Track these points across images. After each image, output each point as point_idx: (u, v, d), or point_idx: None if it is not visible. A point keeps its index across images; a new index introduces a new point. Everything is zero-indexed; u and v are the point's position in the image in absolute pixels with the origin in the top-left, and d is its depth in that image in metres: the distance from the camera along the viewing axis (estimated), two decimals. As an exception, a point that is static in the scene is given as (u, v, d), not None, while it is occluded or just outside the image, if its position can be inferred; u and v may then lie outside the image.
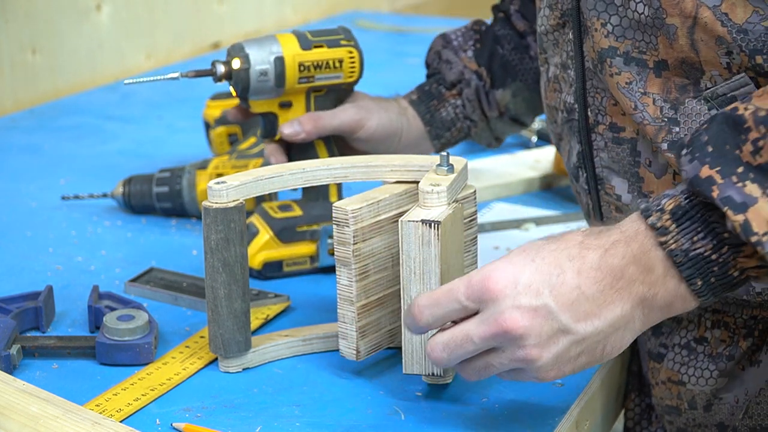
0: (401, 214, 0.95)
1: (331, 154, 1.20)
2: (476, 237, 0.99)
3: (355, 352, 0.96)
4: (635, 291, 0.82)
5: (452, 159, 0.96)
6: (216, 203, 0.95)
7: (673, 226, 0.81)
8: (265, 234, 1.18)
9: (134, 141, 1.67)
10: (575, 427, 0.96)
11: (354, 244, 0.94)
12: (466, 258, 0.98)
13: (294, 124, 1.16)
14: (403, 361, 0.93)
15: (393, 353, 1.01)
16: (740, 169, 0.79)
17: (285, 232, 1.19)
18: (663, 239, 0.81)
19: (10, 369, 0.97)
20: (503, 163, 1.50)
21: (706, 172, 0.80)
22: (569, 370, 0.84)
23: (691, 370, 1.04)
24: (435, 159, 0.97)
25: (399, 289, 0.94)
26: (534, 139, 1.58)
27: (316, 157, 1.19)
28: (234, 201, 0.96)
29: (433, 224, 0.89)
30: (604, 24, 0.95)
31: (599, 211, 1.05)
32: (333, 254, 1.19)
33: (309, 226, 1.20)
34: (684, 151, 0.82)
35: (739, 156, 0.79)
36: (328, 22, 2.49)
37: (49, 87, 1.90)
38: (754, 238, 0.78)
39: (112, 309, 1.05)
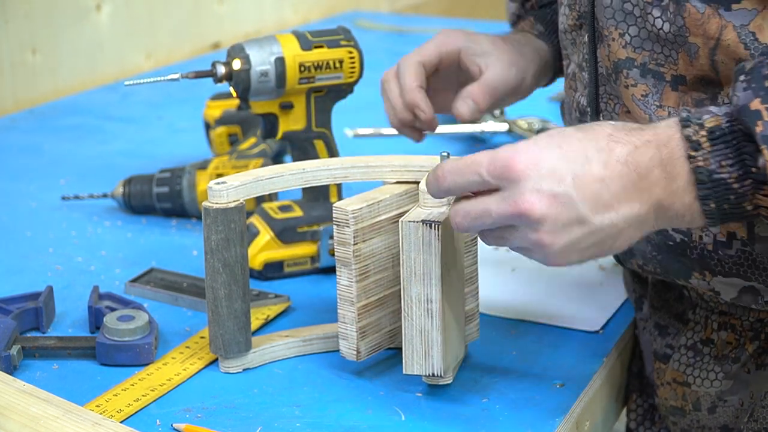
0: (401, 214, 0.95)
1: (331, 154, 1.20)
2: (476, 237, 0.99)
3: (355, 352, 0.96)
4: (655, 194, 0.81)
5: (452, 158, 0.96)
6: (216, 203, 0.95)
7: (707, 144, 0.80)
8: (265, 234, 1.18)
9: (134, 141, 1.67)
10: (575, 428, 0.96)
11: (354, 244, 0.94)
12: (467, 258, 0.98)
13: (467, 101, 1.12)
14: (404, 361, 0.93)
15: (393, 353, 1.01)
16: None
17: (286, 233, 1.19)
18: (693, 153, 0.80)
19: (11, 369, 0.97)
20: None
21: (756, 105, 0.79)
22: (576, 259, 0.83)
23: (696, 371, 1.04)
24: (435, 159, 0.97)
25: (399, 289, 0.94)
26: (534, 139, 1.58)
27: (316, 157, 1.19)
28: (234, 201, 0.96)
29: (433, 225, 0.89)
30: (622, 34, 0.94)
31: None
32: (334, 255, 1.19)
33: (309, 226, 1.20)
34: (742, 77, 0.82)
35: None
36: (328, 22, 2.49)
37: (49, 87, 1.90)
38: None
39: (113, 309, 1.05)
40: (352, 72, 1.18)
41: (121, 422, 0.90)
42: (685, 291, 1.06)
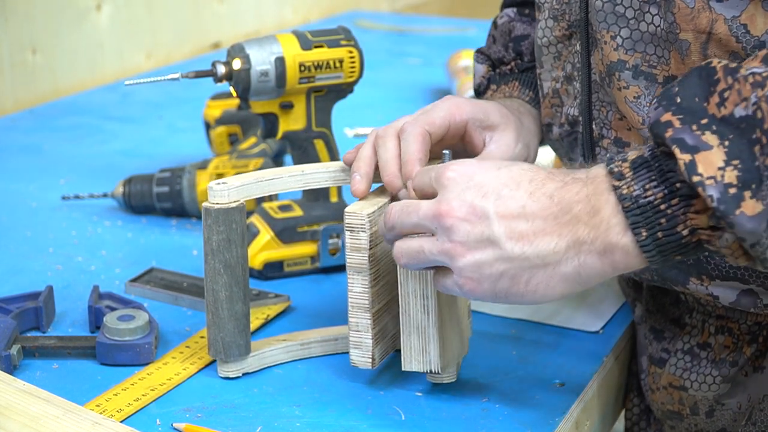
0: None
1: (331, 154, 1.20)
2: None
3: (370, 360, 0.95)
4: (575, 230, 0.80)
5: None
6: (217, 204, 0.95)
7: (630, 173, 0.79)
8: (265, 234, 1.18)
9: (134, 141, 1.67)
10: (575, 428, 0.96)
11: (370, 249, 0.93)
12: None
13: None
14: (402, 357, 0.93)
15: (392, 354, 1.01)
16: (704, 121, 0.77)
17: (286, 233, 1.19)
18: (617, 183, 0.79)
19: (11, 369, 0.97)
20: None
21: (667, 117, 0.78)
22: (488, 289, 0.83)
23: (693, 375, 1.04)
24: (434, 161, 0.97)
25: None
26: (534, 139, 1.58)
27: (316, 157, 1.19)
28: (235, 201, 0.95)
29: None
30: (614, 36, 0.94)
31: None
32: (334, 254, 1.19)
33: (310, 226, 1.20)
34: (655, 102, 0.81)
35: (705, 108, 0.78)
36: (328, 22, 2.49)
37: (49, 87, 1.90)
38: (696, 178, 0.75)
39: (113, 309, 1.05)
40: (353, 71, 1.18)
41: (121, 422, 0.90)
42: (682, 296, 1.06)
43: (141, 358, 1.00)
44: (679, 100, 0.79)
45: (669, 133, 0.77)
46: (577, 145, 1.03)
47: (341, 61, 1.17)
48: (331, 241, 1.19)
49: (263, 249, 1.18)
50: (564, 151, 1.05)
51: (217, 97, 1.52)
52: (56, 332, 1.07)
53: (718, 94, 0.77)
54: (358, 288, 0.93)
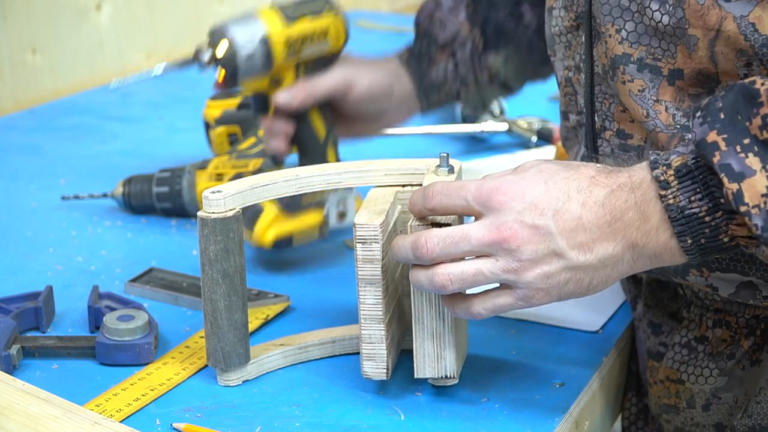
0: (398, 219, 0.95)
1: (327, 124, 1.18)
2: None
3: (385, 370, 0.93)
4: (629, 235, 0.84)
5: (451, 161, 0.95)
6: (214, 213, 0.93)
7: (675, 182, 0.83)
8: (271, 210, 1.17)
9: (134, 141, 1.67)
10: (575, 427, 0.96)
11: (382, 259, 0.91)
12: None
13: (286, 94, 1.16)
14: (415, 365, 0.93)
15: (393, 353, 1.01)
16: (746, 141, 0.81)
17: (291, 205, 1.17)
18: (663, 193, 0.84)
19: (10, 369, 0.97)
20: (503, 163, 1.50)
21: (713, 137, 0.82)
22: (555, 296, 0.87)
23: (690, 368, 1.04)
24: (432, 161, 0.97)
25: (400, 296, 0.94)
26: (534, 139, 1.58)
27: (311, 128, 1.17)
28: (231, 210, 0.93)
29: (443, 227, 0.89)
30: (618, 30, 0.94)
31: None
32: (341, 219, 1.17)
33: (313, 196, 1.18)
34: (698, 114, 0.84)
35: (747, 128, 0.81)
36: (328, 22, 2.49)
37: (49, 87, 1.90)
38: (743, 208, 0.80)
39: (112, 309, 1.05)
40: (338, 38, 1.16)
41: (120, 422, 0.90)
42: (680, 289, 1.06)
43: (141, 358, 1.00)
44: (722, 116, 0.82)
45: (716, 158, 0.81)
46: (582, 135, 1.03)
47: (326, 31, 1.15)
48: (334, 209, 1.17)
49: (271, 224, 1.16)
50: (578, 140, 1.06)
51: (217, 97, 1.51)
52: (56, 332, 1.07)
53: (762, 117, 0.81)
54: (370, 300, 0.92)
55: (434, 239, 0.86)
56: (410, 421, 0.92)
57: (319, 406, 0.94)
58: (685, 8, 0.89)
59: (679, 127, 0.93)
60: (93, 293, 1.08)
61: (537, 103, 1.72)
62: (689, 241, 0.84)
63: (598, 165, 0.88)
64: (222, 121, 1.48)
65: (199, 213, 0.93)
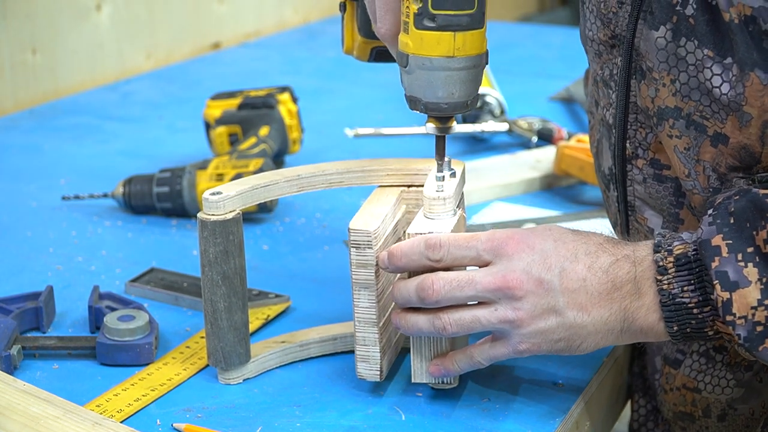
0: (398, 222, 0.95)
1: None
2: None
3: (378, 372, 0.94)
4: (624, 306, 0.87)
5: (452, 162, 0.95)
6: (213, 215, 0.93)
7: (673, 269, 0.86)
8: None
9: (134, 141, 1.67)
10: (575, 428, 0.96)
11: (376, 264, 0.91)
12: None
13: None
14: (412, 371, 0.93)
15: (393, 353, 1.01)
16: (750, 249, 0.82)
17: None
18: (659, 277, 0.86)
19: (11, 369, 0.97)
20: (503, 164, 1.50)
21: (717, 241, 0.84)
22: (545, 351, 0.89)
23: (707, 377, 1.03)
24: (432, 162, 0.96)
25: None
26: (534, 139, 1.58)
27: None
28: (231, 212, 0.93)
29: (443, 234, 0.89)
30: (673, 81, 0.91)
31: (627, 228, 1.03)
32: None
33: None
34: (710, 211, 0.86)
35: (753, 237, 0.83)
36: (328, 22, 2.49)
37: (49, 87, 1.90)
38: (729, 318, 0.83)
39: (113, 309, 1.05)
40: None
41: (121, 422, 0.90)
42: None
43: (141, 358, 1.00)
44: (732, 221, 0.84)
45: (715, 264, 0.83)
46: (610, 149, 1.02)
47: None
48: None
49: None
50: (600, 141, 1.05)
51: (216, 97, 1.52)
52: (56, 332, 1.07)
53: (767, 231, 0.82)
54: (364, 303, 0.92)
55: (441, 282, 0.88)
56: (410, 421, 0.92)
57: (319, 406, 0.94)
58: (747, 85, 0.87)
59: (712, 190, 0.92)
60: (93, 293, 1.08)
61: (537, 103, 1.72)
62: (675, 328, 0.86)
63: (606, 235, 0.90)
64: (222, 121, 1.48)
65: (199, 215, 0.93)
